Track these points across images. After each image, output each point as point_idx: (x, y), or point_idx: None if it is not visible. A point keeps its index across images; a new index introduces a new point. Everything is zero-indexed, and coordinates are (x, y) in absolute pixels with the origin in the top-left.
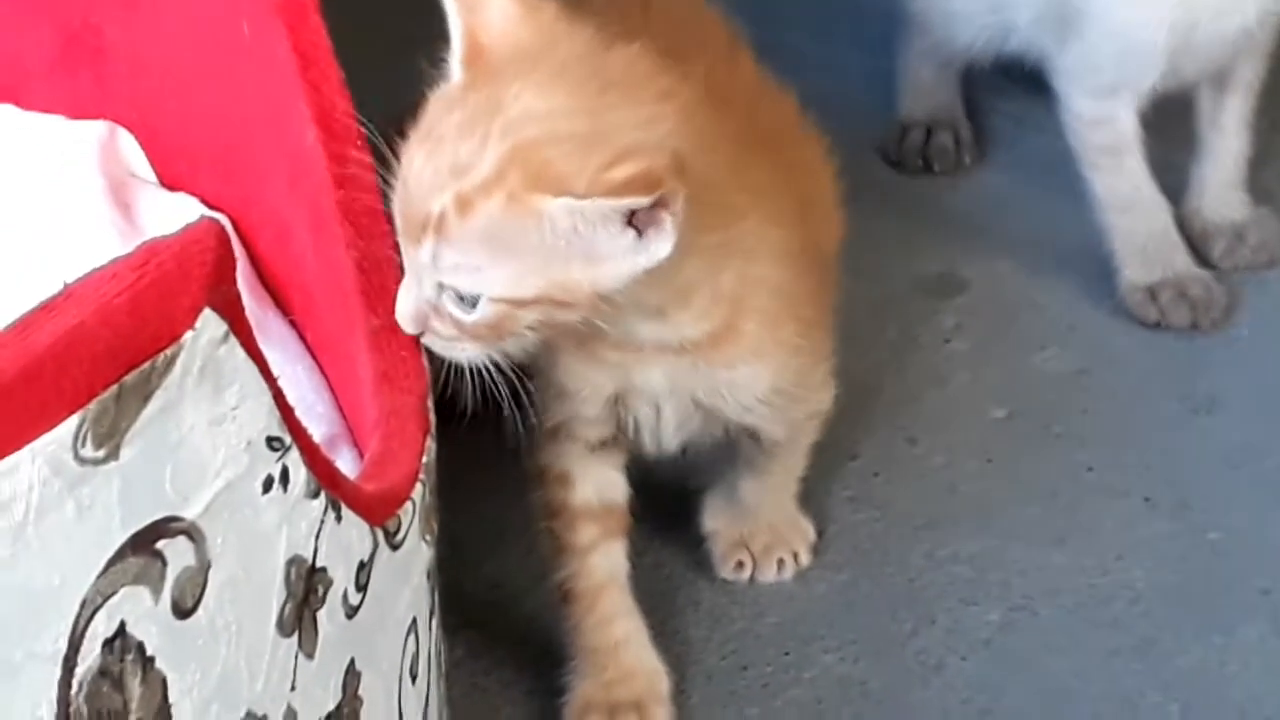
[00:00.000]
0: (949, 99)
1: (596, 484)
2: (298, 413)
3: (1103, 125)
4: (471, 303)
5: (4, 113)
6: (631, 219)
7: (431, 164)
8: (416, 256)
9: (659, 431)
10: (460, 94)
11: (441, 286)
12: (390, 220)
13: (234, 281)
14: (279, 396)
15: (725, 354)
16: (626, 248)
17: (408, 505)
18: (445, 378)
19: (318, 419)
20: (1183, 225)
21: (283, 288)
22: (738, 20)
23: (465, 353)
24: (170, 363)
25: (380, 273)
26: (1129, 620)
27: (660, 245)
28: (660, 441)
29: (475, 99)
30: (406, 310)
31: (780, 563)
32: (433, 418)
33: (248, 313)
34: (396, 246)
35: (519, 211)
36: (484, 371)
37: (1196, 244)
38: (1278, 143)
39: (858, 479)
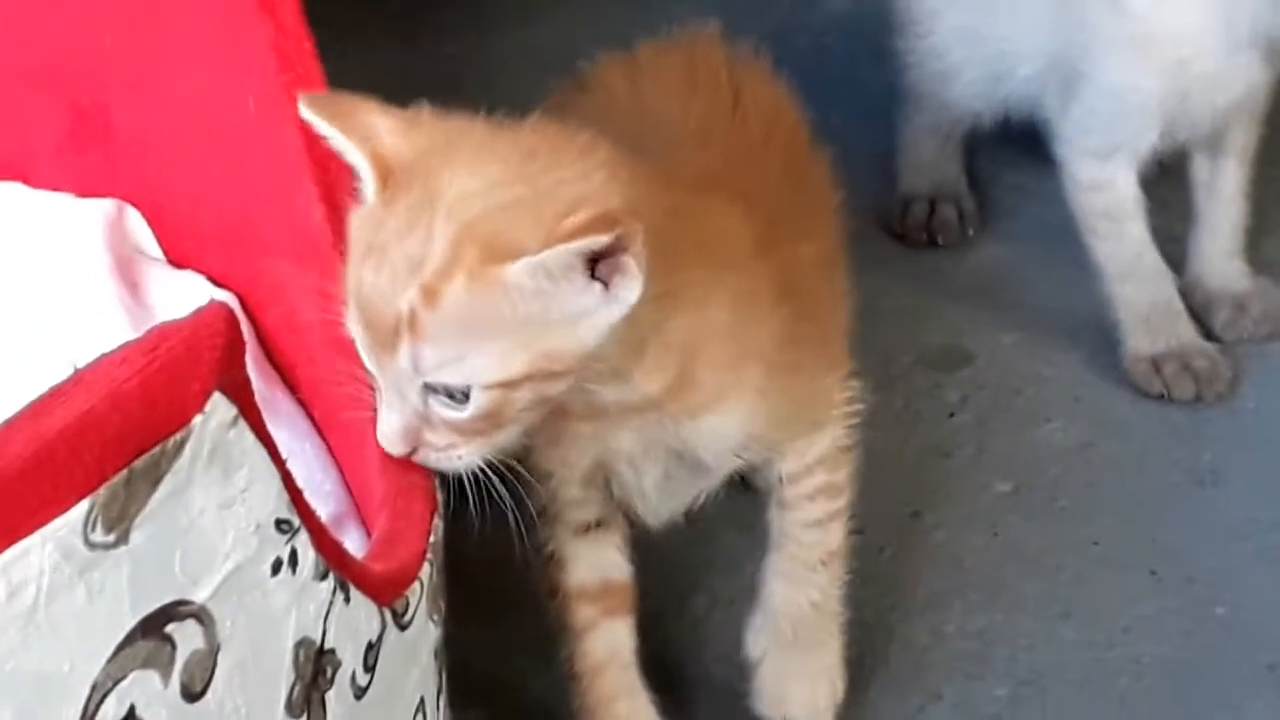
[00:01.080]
0: (951, 171)
1: (591, 565)
2: (305, 491)
3: (1102, 190)
4: (463, 397)
5: (12, 191)
6: (594, 271)
7: (384, 271)
8: (394, 367)
9: (646, 497)
10: (385, 206)
11: (429, 389)
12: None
13: (244, 365)
14: (288, 479)
15: (687, 405)
16: (596, 300)
17: (415, 585)
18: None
19: (325, 497)
20: (1185, 296)
21: (290, 365)
22: None
23: (463, 459)
24: (180, 447)
25: None
26: (1135, 695)
27: (629, 289)
28: (650, 507)
29: (405, 201)
30: (394, 430)
31: None
32: (439, 496)
33: (255, 391)
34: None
35: (484, 286)
36: (483, 475)
37: (1199, 315)
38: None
39: (863, 554)
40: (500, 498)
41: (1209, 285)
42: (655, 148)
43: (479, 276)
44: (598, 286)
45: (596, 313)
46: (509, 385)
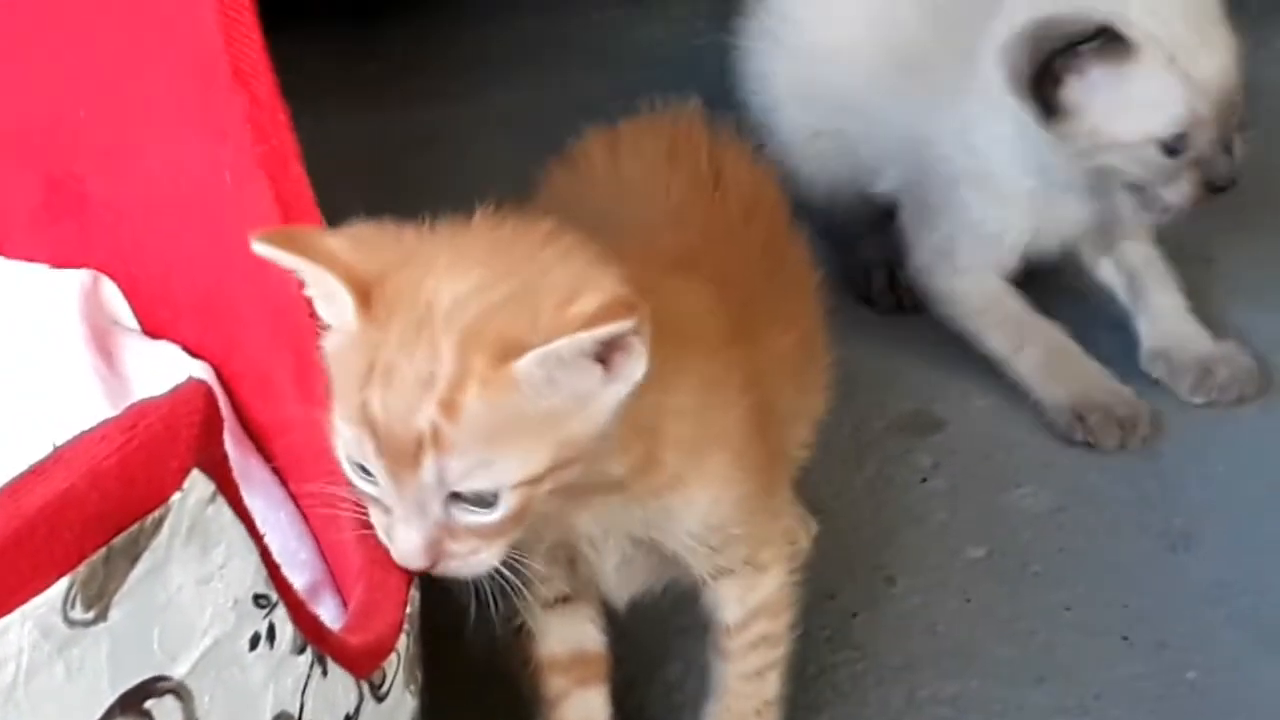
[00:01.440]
0: (892, 239)
1: (562, 636)
2: (280, 560)
3: (969, 296)
4: (492, 499)
5: None
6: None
7: (395, 392)
8: (417, 482)
9: (607, 578)
10: (377, 326)
11: (453, 499)
12: None
13: (221, 441)
14: (265, 554)
15: (650, 485)
16: (598, 381)
17: (392, 657)
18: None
19: (300, 566)
20: (1149, 369)
21: (265, 435)
22: None
23: (485, 562)
24: (159, 524)
25: None
26: None
27: (634, 368)
28: (611, 587)
29: (400, 318)
30: (415, 547)
31: None
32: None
33: (232, 460)
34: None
35: (499, 388)
36: (498, 572)
37: (1167, 384)
38: (1247, 276)
39: (836, 619)
40: (509, 584)
41: (1170, 355)
42: (634, 225)
43: (492, 380)
44: (598, 368)
45: (602, 394)
46: (535, 481)
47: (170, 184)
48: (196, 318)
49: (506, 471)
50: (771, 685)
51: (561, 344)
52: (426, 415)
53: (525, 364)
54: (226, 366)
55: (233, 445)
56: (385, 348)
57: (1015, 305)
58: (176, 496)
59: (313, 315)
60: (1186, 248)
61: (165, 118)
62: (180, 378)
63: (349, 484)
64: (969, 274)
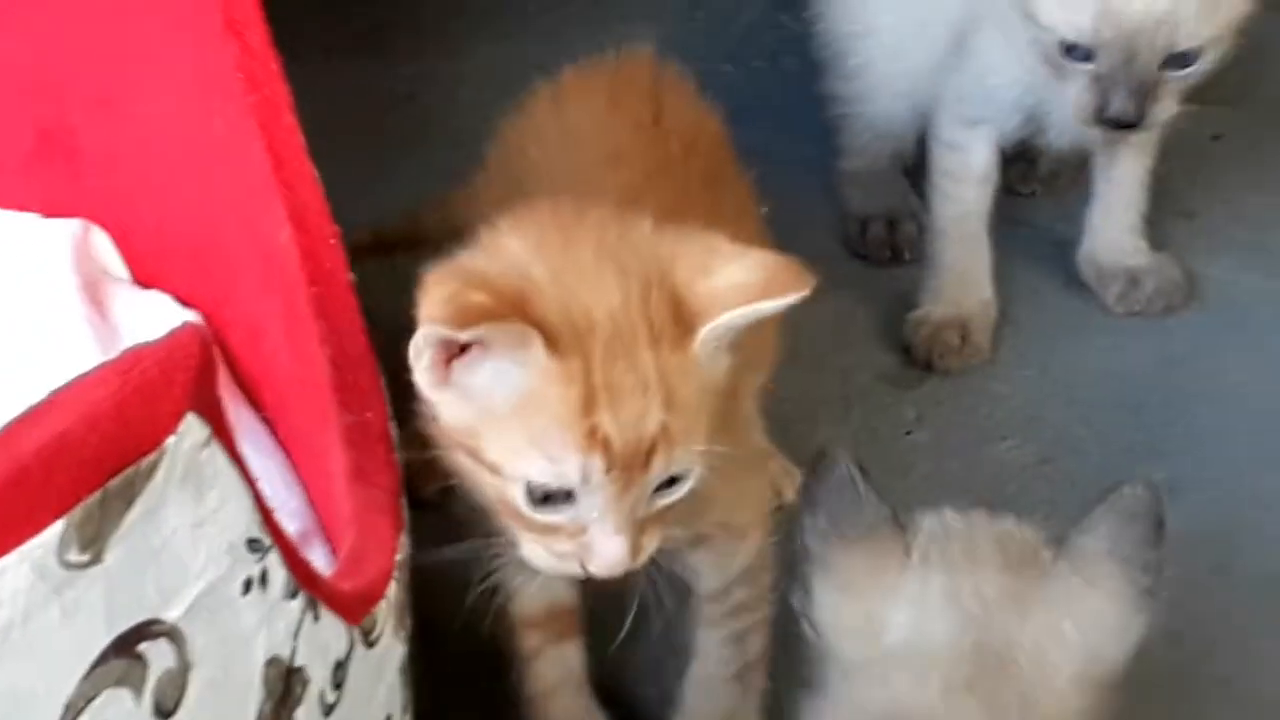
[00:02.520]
0: (899, 188)
1: (535, 592)
2: (271, 508)
3: (956, 151)
4: (681, 476)
5: None
6: None
7: (626, 407)
8: (644, 482)
9: None
10: (574, 359)
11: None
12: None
13: (215, 386)
14: (259, 498)
15: None
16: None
17: (383, 604)
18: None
19: (291, 515)
20: (1079, 270)
21: (255, 384)
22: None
23: (652, 550)
24: (154, 467)
25: (354, 369)
26: None
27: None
28: None
29: (590, 343)
30: (623, 551)
31: None
32: (405, 514)
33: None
34: (371, 348)
35: (688, 371)
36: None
37: (1094, 289)
38: (1228, 233)
39: None
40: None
41: (1101, 260)
42: (578, 168)
43: (684, 366)
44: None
45: (723, 363)
46: (706, 446)
47: (162, 133)
48: (188, 267)
49: (697, 442)
50: (753, 647)
51: (738, 311)
52: (655, 417)
53: (701, 340)
54: (217, 316)
55: (224, 394)
56: (595, 370)
57: (974, 201)
58: (171, 440)
59: (302, 264)
60: (1168, 202)
61: (157, 67)
62: (172, 327)
63: None
64: (971, 129)
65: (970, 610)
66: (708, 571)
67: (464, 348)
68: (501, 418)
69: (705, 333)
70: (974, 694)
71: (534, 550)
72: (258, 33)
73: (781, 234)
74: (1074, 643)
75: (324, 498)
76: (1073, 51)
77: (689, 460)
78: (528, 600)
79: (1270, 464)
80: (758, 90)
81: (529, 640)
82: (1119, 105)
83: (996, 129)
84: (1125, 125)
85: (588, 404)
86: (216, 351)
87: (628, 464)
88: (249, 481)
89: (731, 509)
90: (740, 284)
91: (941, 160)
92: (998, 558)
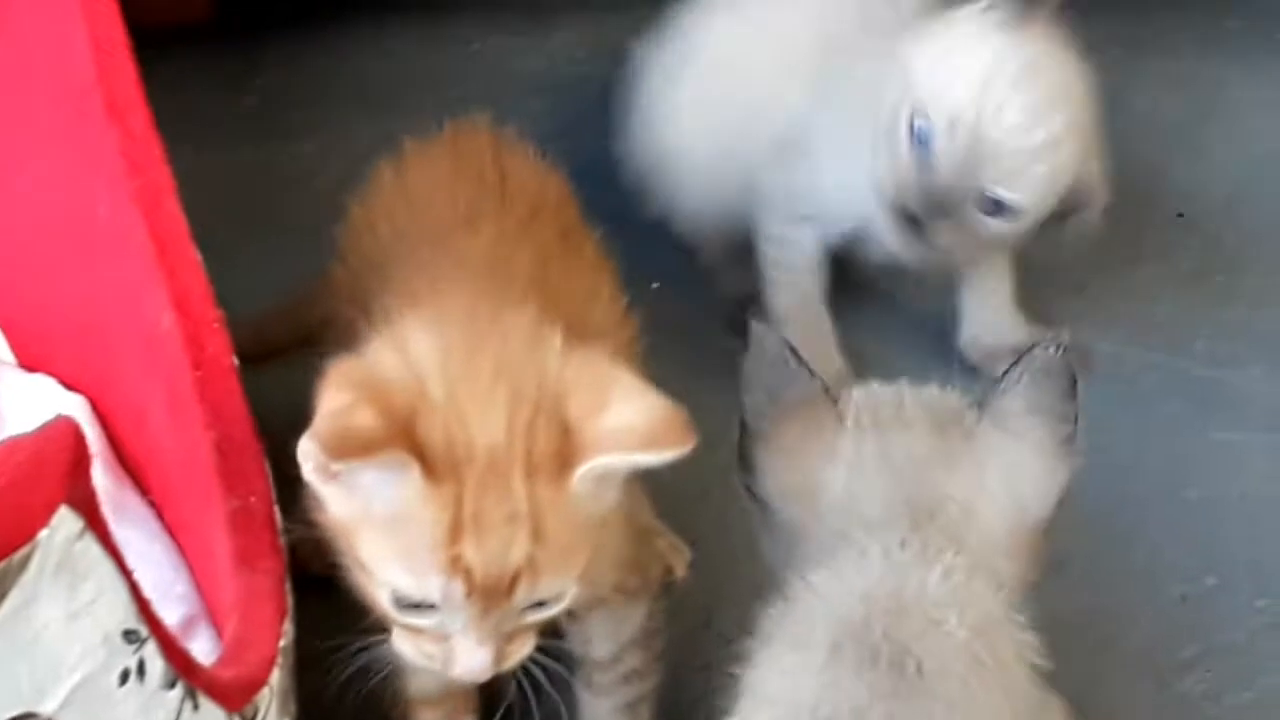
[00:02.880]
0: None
1: (430, 671)
2: (156, 593)
3: (787, 245)
4: (555, 597)
5: None
6: None
7: (491, 537)
8: (507, 608)
9: None
10: (447, 486)
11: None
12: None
13: (89, 478)
14: (135, 589)
15: None
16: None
17: (265, 690)
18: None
19: (176, 599)
20: (966, 355)
21: (141, 468)
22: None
23: (526, 652)
24: (26, 560)
25: (238, 454)
26: None
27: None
28: None
29: (464, 472)
30: (485, 662)
31: None
32: (290, 600)
33: (106, 493)
34: (255, 431)
35: (565, 505)
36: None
37: (985, 369)
38: (1118, 307)
39: (713, 646)
40: None
41: (985, 342)
42: (428, 239)
43: (559, 500)
44: None
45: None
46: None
47: (45, 218)
48: (72, 351)
49: (574, 569)
50: (642, 716)
51: (612, 459)
52: (521, 549)
53: (578, 478)
54: (102, 399)
55: (109, 477)
56: (466, 500)
57: (810, 287)
58: (44, 533)
59: (186, 348)
60: (1058, 277)
61: (40, 151)
62: (56, 410)
63: None
64: (800, 225)
65: (902, 469)
66: (600, 638)
67: None
68: (376, 524)
69: (582, 472)
70: (908, 549)
71: (403, 645)
72: (140, 117)
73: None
74: (1002, 493)
75: (209, 582)
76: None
77: (558, 587)
78: (422, 678)
79: (1162, 535)
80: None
81: (422, 718)
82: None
83: (824, 229)
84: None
85: (454, 532)
86: (101, 435)
87: (489, 591)
88: (125, 572)
89: (626, 571)
90: (625, 429)
91: (771, 253)
92: (925, 419)
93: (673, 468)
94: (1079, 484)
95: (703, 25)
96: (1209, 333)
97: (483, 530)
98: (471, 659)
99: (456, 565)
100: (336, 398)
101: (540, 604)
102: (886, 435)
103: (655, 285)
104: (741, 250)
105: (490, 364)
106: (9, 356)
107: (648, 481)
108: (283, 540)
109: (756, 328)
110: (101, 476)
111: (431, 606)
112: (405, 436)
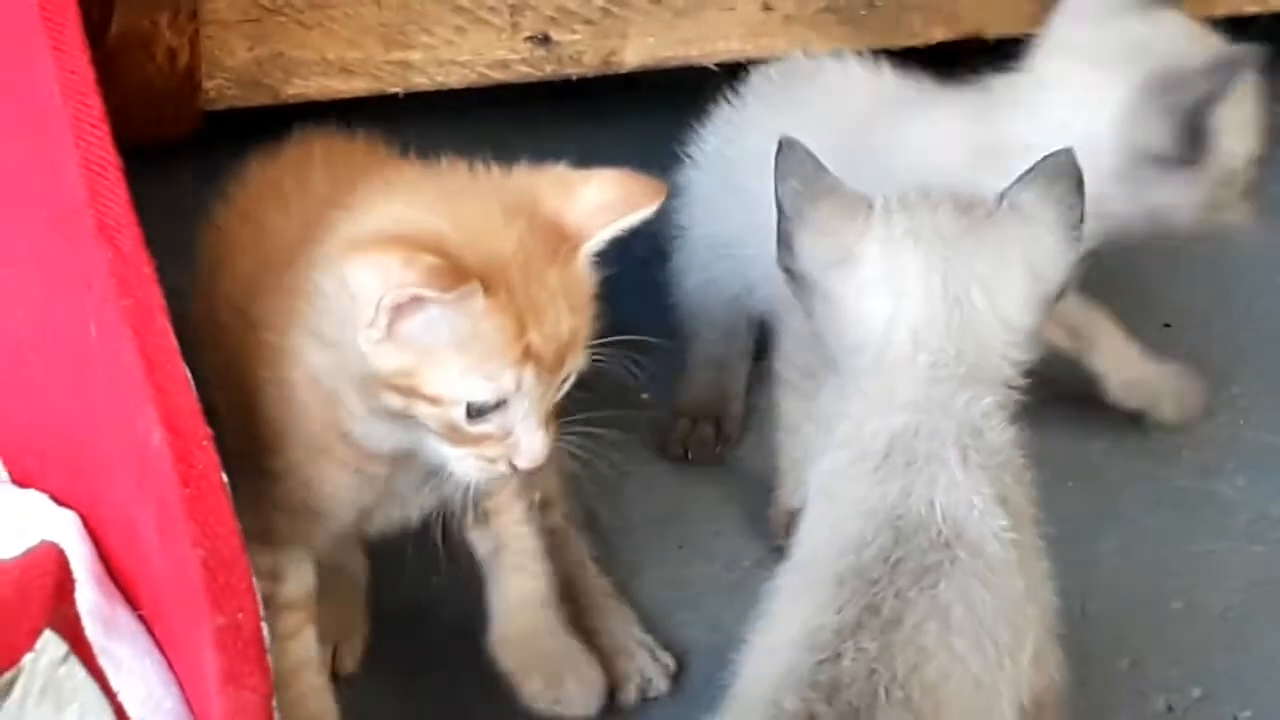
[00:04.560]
0: (720, 391)
1: (301, 578)
2: (145, 709)
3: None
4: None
5: None
6: None
7: (549, 322)
8: (554, 381)
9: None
10: (502, 295)
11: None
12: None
13: (73, 602)
14: (120, 711)
15: None
16: None
17: None
18: None
19: (166, 714)
20: (1119, 402)
21: (131, 583)
22: None
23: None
24: (11, 684)
25: (226, 571)
26: None
27: None
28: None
29: (509, 280)
30: (545, 442)
31: None
32: (277, 717)
33: (97, 609)
34: (242, 544)
35: (581, 280)
36: None
37: (1148, 410)
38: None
39: None
40: None
41: (1126, 375)
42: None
43: (578, 277)
44: None
45: None
46: None
47: (36, 335)
48: (63, 468)
49: (587, 341)
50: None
51: (607, 231)
52: (566, 322)
53: (583, 257)
54: (93, 515)
55: (99, 593)
56: (520, 300)
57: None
58: (29, 657)
59: (175, 465)
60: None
61: (30, 270)
62: (48, 527)
63: None
64: (812, 379)
65: (931, 243)
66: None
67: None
68: (442, 353)
69: (587, 249)
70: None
71: (465, 463)
72: (130, 237)
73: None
74: (1020, 265)
75: (198, 698)
76: None
77: (581, 359)
78: (295, 585)
79: (1148, 645)
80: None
81: (291, 620)
82: None
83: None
84: None
85: (519, 327)
86: (92, 551)
87: (550, 368)
88: (110, 694)
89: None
90: (603, 204)
91: (786, 406)
92: (950, 203)
93: None
94: (1064, 599)
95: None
96: (1194, 443)
97: (540, 317)
98: (534, 442)
99: (527, 354)
100: (393, 253)
101: (565, 379)
102: (915, 214)
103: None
104: (725, 365)
105: (473, 199)
106: (1, 473)
107: None
108: (270, 659)
109: (785, 138)
110: (92, 592)
111: (499, 405)
112: (462, 267)
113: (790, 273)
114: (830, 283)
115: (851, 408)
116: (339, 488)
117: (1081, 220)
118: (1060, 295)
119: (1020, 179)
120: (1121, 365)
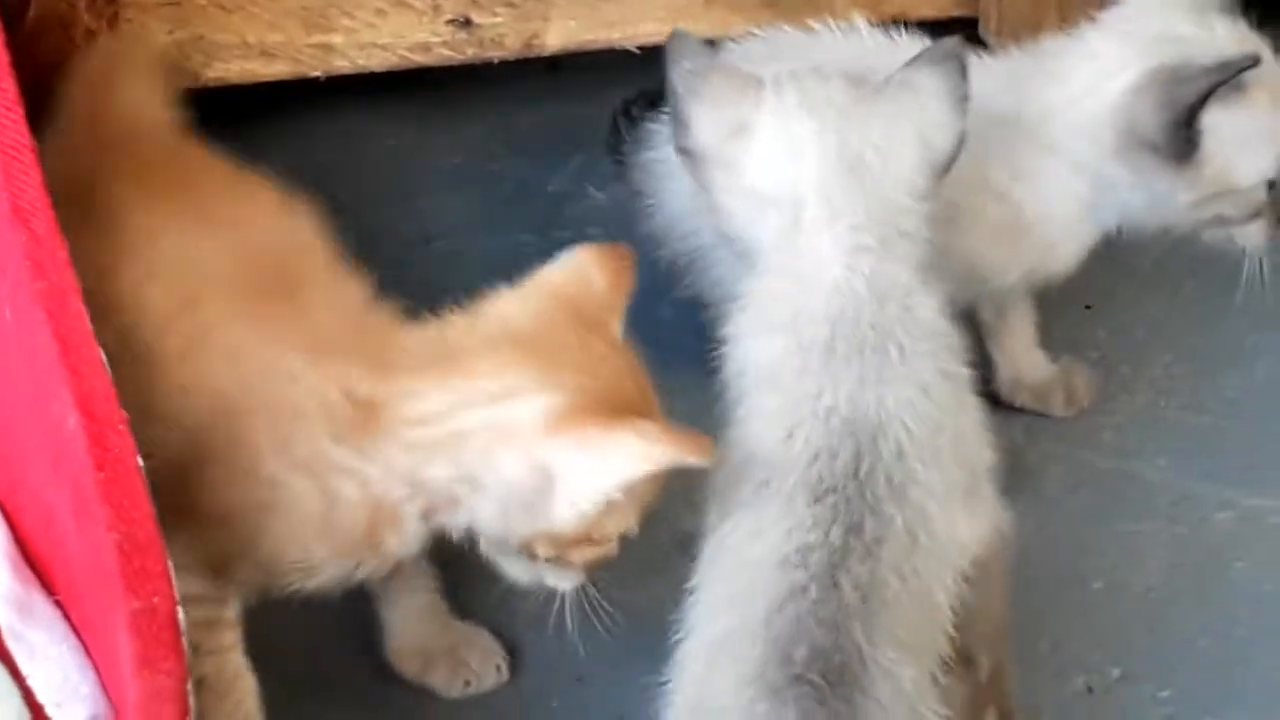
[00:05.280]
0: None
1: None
2: (61, 694)
3: None
4: None
5: None
6: None
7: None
8: None
9: None
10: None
11: None
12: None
13: None
14: (30, 696)
15: None
16: None
17: None
18: None
19: (82, 700)
20: (1012, 399)
21: (47, 568)
22: None
23: None
24: None
25: (142, 555)
26: None
27: None
28: None
29: None
30: None
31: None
32: (192, 701)
33: (12, 594)
34: (159, 532)
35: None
36: None
37: (1035, 407)
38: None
39: None
40: None
41: (1029, 381)
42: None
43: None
44: None
45: None
46: None
47: None
48: None
49: None
50: None
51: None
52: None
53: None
54: (9, 499)
55: (15, 578)
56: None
57: None
58: None
59: (90, 449)
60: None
61: None
62: None
63: None
64: None
65: (824, 111)
66: None
67: None
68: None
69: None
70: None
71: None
72: (45, 220)
73: None
74: (911, 132)
75: (114, 682)
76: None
77: None
78: (237, 604)
79: (1068, 626)
80: None
81: (229, 637)
82: None
83: None
84: None
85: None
86: (9, 536)
87: None
88: (18, 679)
89: None
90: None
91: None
92: (840, 76)
93: None
94: None
95: None
96: (1116, 424)
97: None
98: None
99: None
100: (574, 420)
101: None
102: (807, 86)
103: None
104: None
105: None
106: None
107: None
108: (185, 641)
109: (678, 32)
110: (7, 577)
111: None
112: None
113: (686, 152)
114: (729, 152)
115: (773, 285)
116: (334, 571)
117: (967, 97)
118: (948, 165)
119: (911, 61)
120: (1017, 367)
